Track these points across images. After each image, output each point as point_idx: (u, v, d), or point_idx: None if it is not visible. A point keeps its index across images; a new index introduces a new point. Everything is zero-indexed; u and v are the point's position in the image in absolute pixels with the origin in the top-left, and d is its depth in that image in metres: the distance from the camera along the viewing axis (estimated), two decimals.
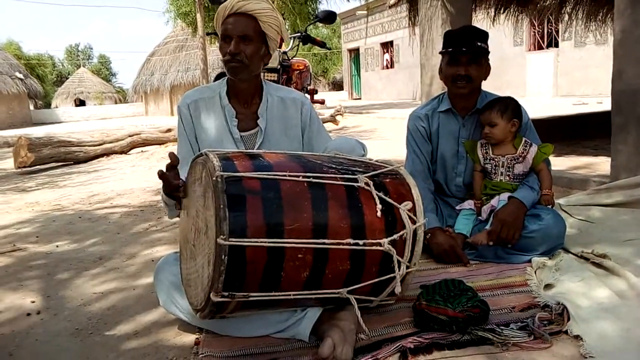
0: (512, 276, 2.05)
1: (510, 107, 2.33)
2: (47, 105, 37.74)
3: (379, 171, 1.63)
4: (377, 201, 1.51)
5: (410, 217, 1.55)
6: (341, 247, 1.45)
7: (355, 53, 25.88)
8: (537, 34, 15.75)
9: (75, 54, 55.59)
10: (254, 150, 1.83)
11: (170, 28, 23.79)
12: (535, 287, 1.90)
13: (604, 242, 2.30)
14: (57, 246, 3.03)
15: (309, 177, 1.49)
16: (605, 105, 4.40)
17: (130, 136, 8.33)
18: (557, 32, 14.73)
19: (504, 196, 2.27)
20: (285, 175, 1.47)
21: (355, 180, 1.53)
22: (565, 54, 14.59)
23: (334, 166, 1.59)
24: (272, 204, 1.41)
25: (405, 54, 20.76)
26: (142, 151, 8.25)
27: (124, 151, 8.13)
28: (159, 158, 7.31)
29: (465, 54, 2.31)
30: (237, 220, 1.35)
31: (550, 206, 2.30)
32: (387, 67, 23.36)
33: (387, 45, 23.17)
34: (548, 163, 2.38)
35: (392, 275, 1.53)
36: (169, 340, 1.73)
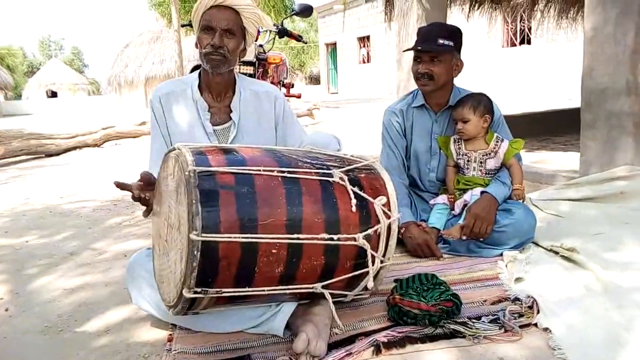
0: (483, 270, 2.09)
1: (482, 103, 2.36)
2: (18, 96, 36.82)
3: (353, 166, 1.63)
4: (352, 196, 1.51)
5: (384, 212, 1.55)
6: (315, 242, 1.45)
7: (332, 47, 25.84)
8: (510, 31, 15.97)
9: (47, 45, 54.35)
10: (228, 145, 1.81)
11: (145, 19, 23.43)
12: (506, 281, 1.94)
13: (572, 236, 2.35)
14: (26, 241, 2.96)
15: (283, 171, 1.48)
16: (575, 102, 4.51)
17: (103, 129, 8.18)
18: (530, 29, 14.96)
19: (477, 191, 2.31)
20: (259, 170, 1.46)
21: (330, 175, 1.54)
22: (538, 51, 14.82)
23: (308, 161, 1.59)
24: (245, 198, 1.40)
25: (382, 49, 20.82)
26: (115, 144, 8.11)
27: (97, 144, 7.98)
28: (132, 151, 7.20)
29: (424, 52, 2.33)
30: (210, 215, 1.34)
31: (521, 201, 2.34)
32: (364, 62, 23.40)
33: (364, 40, 23.19)
34: (519, 158, 2.42)
35: (366, 269, 1.54)
36: (141, 336, 1.71)
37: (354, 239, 1.49)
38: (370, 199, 1.55)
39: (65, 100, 30.56)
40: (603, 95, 3.08)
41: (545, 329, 1.56)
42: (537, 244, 2.28)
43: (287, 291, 1.49)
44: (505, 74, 15.74)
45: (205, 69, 1.88)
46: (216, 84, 1.92)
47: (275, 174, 1.47)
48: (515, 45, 15.94)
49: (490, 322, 1.61)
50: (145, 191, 1.67)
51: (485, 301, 1.78)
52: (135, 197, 1.67)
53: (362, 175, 1.62)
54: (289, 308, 1.59)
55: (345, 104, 15.66)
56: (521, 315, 1.65)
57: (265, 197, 1.42)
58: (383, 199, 1.57)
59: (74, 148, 7.65)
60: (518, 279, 1.92)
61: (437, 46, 2.32)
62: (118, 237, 2.95)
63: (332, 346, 1.52)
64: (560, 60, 13.83)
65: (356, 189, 1.54)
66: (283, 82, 5.25)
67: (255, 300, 1.53)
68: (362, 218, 1.52)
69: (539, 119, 6.71)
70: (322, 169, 1.56)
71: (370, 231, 1.52)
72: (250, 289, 1.43)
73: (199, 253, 1.31)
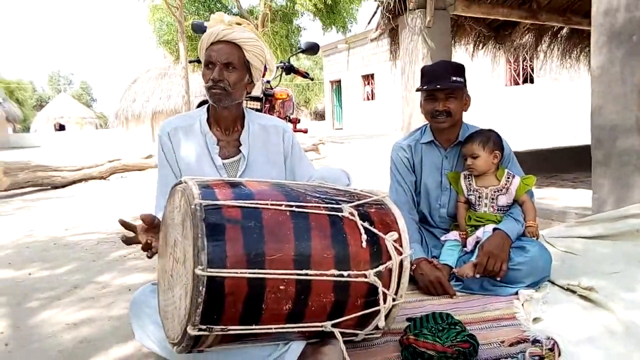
0: (499, 309, 2.02)
1: (491, 139, 2.34)
2: (26, 129, 37.35)
3: (363, 201, 1.60)
4: (362, 231, 1.47)
5: (396, 248, 1.51)
6: (325, 278, 1.40)
7: (337, 84, 26.22)
8: (513, 70, 16.18)
9: (56, 80, 55.44)
10: (236, 178, 1.78)
11: (153, 56, 23.96)
12: (523, 321, 1.86)
13: (588, 274, 2.28)
14: (29, 274, 2.92)
15: (291, 206, 1.45)
16: (581, 139, 4.51)
17: (110, 162, 8.22)
18: (533, 69, 15.16)
19: (489, 228, 2.26)
20: (267, 204, 1.42)
21: (340, 210, 1.50)
22: (541, 89, 14.97)
23: (317, 195, 1.56)
24: (253, 233, 1.36)
25: (386, 87, 21.13)
26: (122, 177, 8.14)
27: (103, 177, 8.01)
28: (138, 184, 7.21)
29: (440, 90, 2.33)
30: (216, 250, 1.30)
31: (535, 238, 2.29)
32: (369, 99, 23.69)
33: (368, 78, 23.55)
34: (531, 195, 2.38)
35: (377, 308, 1.48)
36: None
37: (365, 276, 1.44)
38: (381, 234, 1.51)
39: (72, 134, 30.93)
40: (613, 133, 3.06)
41: None
42: (553, 283, 2.21)
43: (296, 329, 1.44)
44: (509, 112, 15.86)
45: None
46: (224, 118, 1.91)
47: (283, 208, 1.43)
48: (518, 84, 16.12)
49: None
50: (149, 233, 1.62)
51: (502, 342, 1.71)
52: (137, 241, 1.61)
53: (373, 210, 1.58)
54: (297, 347, 1.52)
55: (350, 139, 15.76)
56: (542, 358, 1.57)
57: (273, 232, 1.38)
58: (394, 235, 1.53)
59: (80, 180, 7.67)
60: (536, 319, 1.85)
61: (452, 83, 2.32)
62: (122, 270, 2.90)
63: None
64: (563, 99, 13.95)
65: (366, 224, 1.50)
66: (289, 117, 5.28)
67: (262, 339, 1.47)
68: (373, 254, 1.48)
69: (545, 156, 6.69)
70: (332, 203, 1.52)
71: (381, 268, 1.47)
72: (257, 327, 1.37)
73: (204, 289, 1.27)
